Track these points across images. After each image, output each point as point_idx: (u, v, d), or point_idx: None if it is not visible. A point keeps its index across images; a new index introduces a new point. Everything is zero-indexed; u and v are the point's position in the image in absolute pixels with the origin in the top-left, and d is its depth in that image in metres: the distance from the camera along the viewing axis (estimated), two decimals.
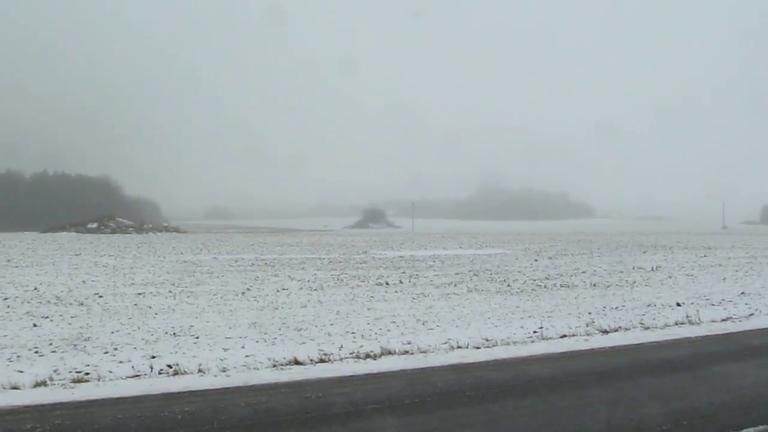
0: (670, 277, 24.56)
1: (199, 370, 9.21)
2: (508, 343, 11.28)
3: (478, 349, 10.79)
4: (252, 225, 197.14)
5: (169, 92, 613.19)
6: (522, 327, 12.91)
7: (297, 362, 9.71)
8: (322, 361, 9.88)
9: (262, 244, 59.74)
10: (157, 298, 17.99)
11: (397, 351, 10.54)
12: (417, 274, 25.68)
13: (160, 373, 9.13)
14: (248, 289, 20.02)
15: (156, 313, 15.10)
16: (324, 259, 36.79)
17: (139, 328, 13.01)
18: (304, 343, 11.37)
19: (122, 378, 8.85)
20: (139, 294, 18.84)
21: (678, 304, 16.20)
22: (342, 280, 23.18)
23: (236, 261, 34.40)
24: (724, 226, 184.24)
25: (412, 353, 10.47)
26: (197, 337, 12.00)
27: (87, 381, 8.61)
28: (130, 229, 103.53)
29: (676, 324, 13.40)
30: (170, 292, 19.42)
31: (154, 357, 10.17)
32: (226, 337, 11.96)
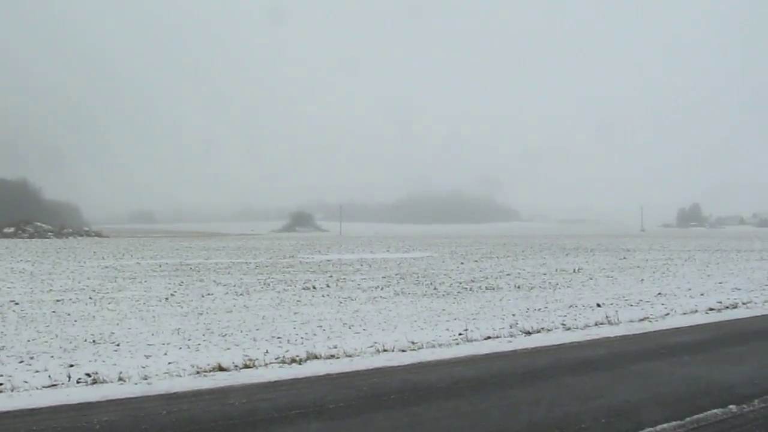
0: (591, 278, 25.21)
1: (120, 379, 8.96)
2: (434, 346, 11.38)
3: (404, 352, 10.85)
4: (177, 229, 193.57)
5: (93, 91, 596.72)
6: (447, 329, 13.04)
7: (221, 368, 9.56)
8: (246, 366, 9.76)
9: (188, 248, 58.78)
10: (76, 304, 17.46)
11: (323, 355, 10.50)
12: (344, 278, 25.67)
13: (78, 383, 8.84)
14: (172, 295, 19.64)
15: (75, 321, 14.64)
16: (250, 263, 36.42)
17: (56, 336, 12.59)
18: (228, 348, 11.20)
19: (38, 388, 8.53)
20: (58, 301, 18.25)
21: (598, 305, 16.63)
22: (268, 285, 22.98)
23: (160, 266, 33.72)
24: (643, 229, 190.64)
25: (338, 357, 10.45)
26: (118, 345, 11.69)
27: (0, 392, 8.29)
28: (49, 233, 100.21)
29: (596, 324, 13.75)
30: (90, 298, 18.88)
31: (72, 366, 9.85)
32: (149, 344, 11.69)
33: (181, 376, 9.22)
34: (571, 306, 16.65)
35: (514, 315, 15.02)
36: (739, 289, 20.59)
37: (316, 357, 10.40)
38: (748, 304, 17.09)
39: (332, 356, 10.50)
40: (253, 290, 21.08)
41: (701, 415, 6.97)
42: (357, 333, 12.81)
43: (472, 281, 24.13)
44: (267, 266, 33.77)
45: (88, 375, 9.17)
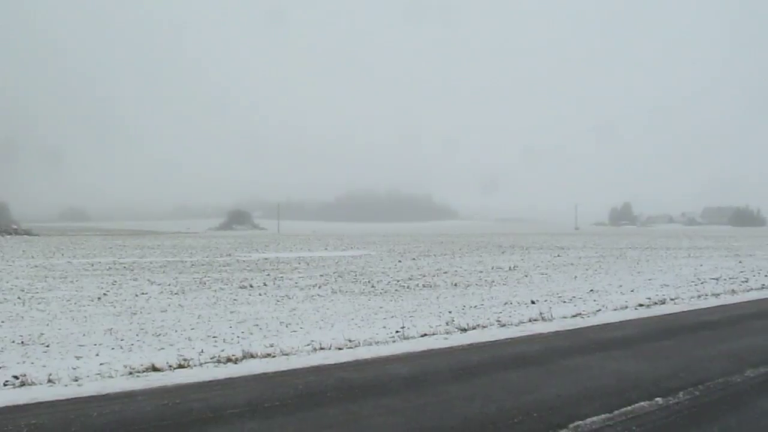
0: (526, 276, 25.65)
1: (49, 380, 8.73)
2: (371, 344, 11.42)
3: (341, 350, 10.86)
4: (111, 227, 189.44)
5: (24, 81, 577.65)
6: (385, 327, 13.10)
7: (155, 369, 9.41)
8: (181, 366, 9.62)
9: (121, 246, 57.61)
10: (3, 305, 16.94)
11: (259, 354, 10.43)
12: (282, 277, 25.54)
13: (5, 385, 8.57)
14: (105, 294, 19.23)
15: (2, 321, 14.21)
16: (186, 262, 35.92)
17: None
18: (163, 348, 11.03)
19: None
20: None
21: (533, 302, 16.94)
22: (205, 284, 22.70)
23: (92, 265, 32.97)
24: (577, 228, 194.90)
25: (275, 356, 10.39)
26: (48, 346, 11.38)
27: None
28: None
29: (530, 321, 13.99)
30: (19, 298, 18.34)
31: None
32: (80, 345, 11.42)
33: (113, 377, 9.04)
34: (506, 303, 16.90)
35: (450, 312, 15.17)
36: (667, 286, 21.24)
37: (252, 356, 10.32)
38: (676, 300, 17.64)
39: (269, 355, 10.44)
40: (189, 289, 20.81)
41: (629, 408, 7.18)
42: (294, 331, 12.76)
43: (410, 279, 24.29)
44: (203, 265, 33.34)
45: (16, 377, 8.91)
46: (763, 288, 21.15)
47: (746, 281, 22.97)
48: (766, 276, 25.13)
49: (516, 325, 13.45)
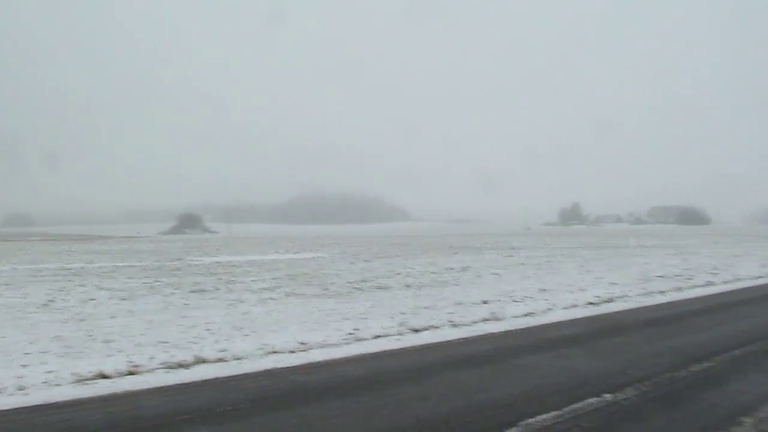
0: (478, 276, 25.85)
1: None
2: (324, 346, 11.39)
3: (294, 353, 10.82)
4: (58, 232, 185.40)
5: None
6: (338, 329, 13.06)
7: (104, 376, 9.24)
8: (130, 373, 9.47)
9: (69, 252, 56.42)
10: None
11: (211, 359, 10.32)
12: (234, 280, 25.28)
13: None
14: (51, 301, 18.79)
15: None
16: (136, 266, 35.32)
17: None
18: (112, 355, 10.82)
19: None
20: None
21: (485, 302, 17.07)
22: (155, 288, 22.35)
23: (39, 271, 32.22)
24: (528, 228, 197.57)
25: (227, 360, 10.31)
26: None
27: None
28: None
29: (483, 321, 14.12)
30: None
31: None
32: (26, 353, 11.13)
33: (60, 385, 8.85)
34: (458, 303, 17.01)
35: (403, 313, 15.20)
36: (615, 284, 21.61)
37: (203, 361, 10.21)
38: (624, 298, 17.99)
39: (220, 360, 10.35)
40: (139, 294, 20.46)
41: (578, 405, 7.32)
42: (246, 335, 12.64)
43: (363, 281, 24.28)
44: (154, 269, 32.83)
45: None
46: (707, 285, 21.70)
47: (691, 278, 23.51)
48: (710, 273, 25.76)
49: (468, 325, 13.56)
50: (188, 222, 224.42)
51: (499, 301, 17.37)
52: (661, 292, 19.39)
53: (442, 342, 11.79)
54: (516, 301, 17.27)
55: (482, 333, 12.70)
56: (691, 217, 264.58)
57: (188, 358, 10.35)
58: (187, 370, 9.65)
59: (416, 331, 12.87)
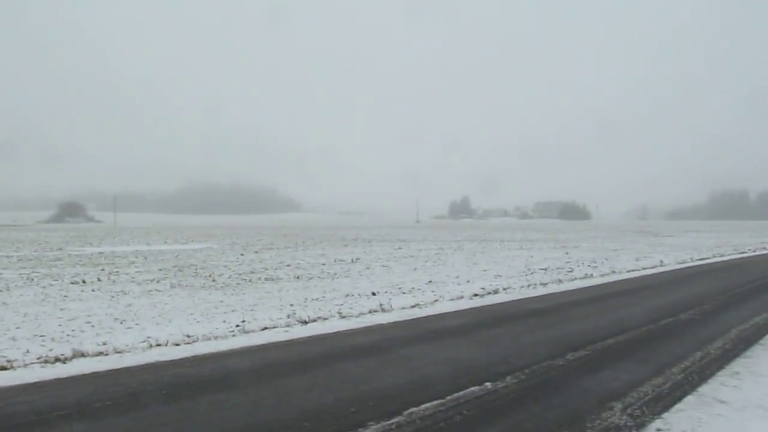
0: (368, 268, 26.04)
1: None
2: (210, 338, 11.22)
3: (178, 346, 10.59)
4: None
5: None
6: (225, 321, 12.89)
7: None
8: (3, 368, 9.02)
9: None
10: None
11: (90, 353, 9.97)
12: (117, 271, 24.46)
13: None
14: None
15: None
16: (12, 257, 33.60)
17: None
18: None
19: None
20: None
21: (373, 294, 17.24)
22: (32, 280, 21.35)
23: None
24: (418, 221, 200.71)
25: (108, 354, 9.98)
26: None
27: None
28: None
29: (371, 312, 14.26)
30: None
31: None
32: None
33: None
34: (347, 295, 17.10)
35: (292, 305, 15.15)
36: (500, 276, 22.28)
37: (83, 355, 9.85)
38: (508, 290, 18.56)
39: (101, 353, 10.01)
40: (14, 286, 19.49)
41: (461, 393, 7.53)
42: (129, 328, 12.28)
43: (252, 272, 24.02)
44: (31, 260, 31.32)
45: None
46: (585, 277, 22.68)
47: (571, 271, 24.52)
48: (588, 266, 26.95)
49: (356, 317, 13.66)
50: (70, 210, 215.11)
51: (388, 292, 17.57)
52: (543, 284, 20.13)
53: (330, 333, 11.82)
54: (404, 293, 17.51)
55: (370, 324, 12.81)
56: (572, 212, 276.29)
57: (66, 351, 9.96)
58: (64, 365, 9.28)
59: (305, 322, 12.86)
